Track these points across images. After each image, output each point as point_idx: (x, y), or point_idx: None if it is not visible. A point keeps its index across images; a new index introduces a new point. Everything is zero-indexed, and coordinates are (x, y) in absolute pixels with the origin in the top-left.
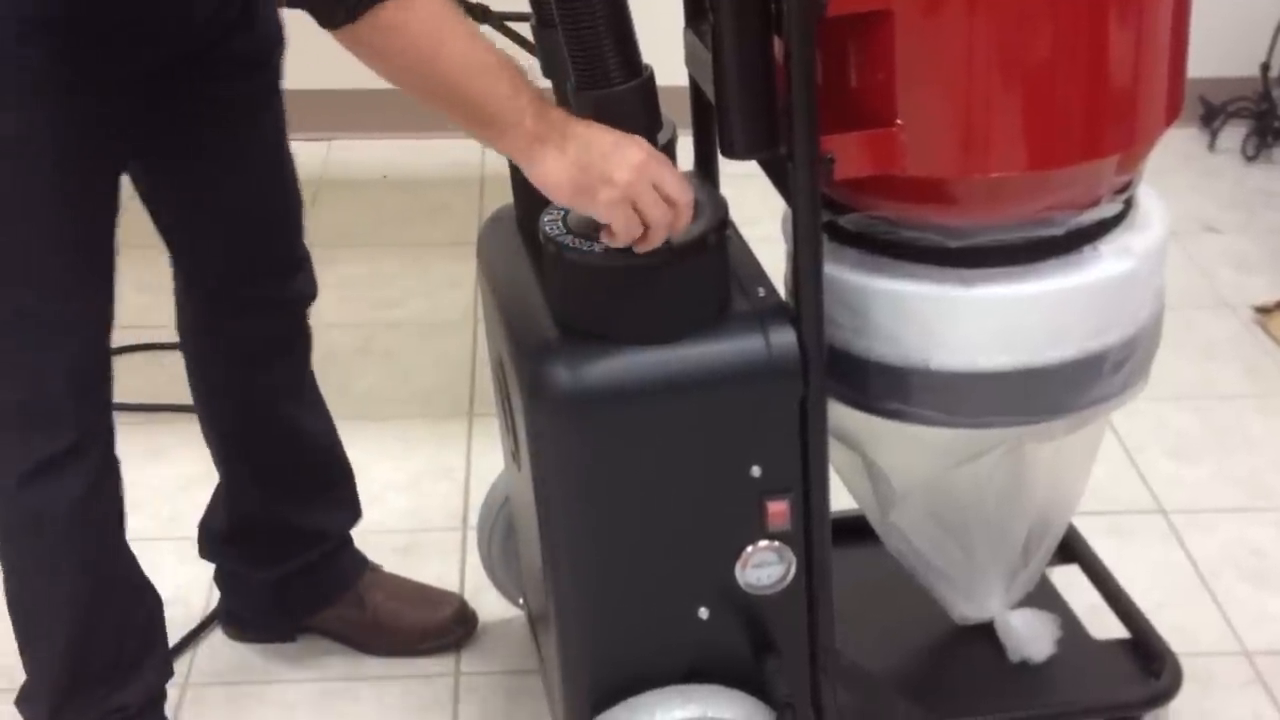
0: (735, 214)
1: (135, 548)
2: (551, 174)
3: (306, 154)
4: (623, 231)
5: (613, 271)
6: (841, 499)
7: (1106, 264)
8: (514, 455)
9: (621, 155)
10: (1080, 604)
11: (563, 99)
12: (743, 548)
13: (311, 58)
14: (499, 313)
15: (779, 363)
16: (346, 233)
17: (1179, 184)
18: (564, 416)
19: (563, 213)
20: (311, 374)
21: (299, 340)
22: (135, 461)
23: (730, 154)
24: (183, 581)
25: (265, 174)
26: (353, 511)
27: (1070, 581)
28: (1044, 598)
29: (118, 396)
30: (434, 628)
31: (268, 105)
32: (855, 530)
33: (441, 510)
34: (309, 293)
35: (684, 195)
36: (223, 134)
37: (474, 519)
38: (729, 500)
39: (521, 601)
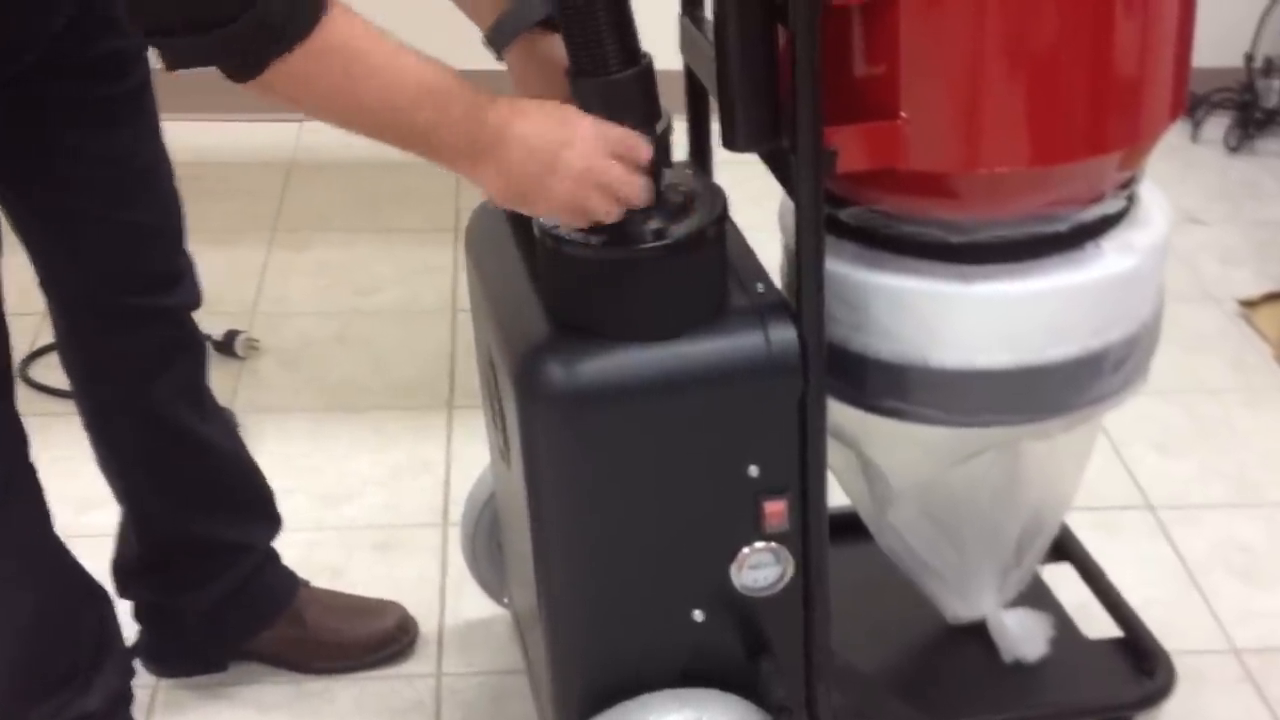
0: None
1: (96, 545)
2: (488, 184)
3: (277, 136)
4: (567, 223)
5: (610, 266)
6: (831, 495)
7: (1109, 261)
8: (503, 452)
9: (565, 166)
10: (1070, 601)
11: None
12: (739, 549)
13: None
14: (489, 306)
15: (779, 360)
16: (319, 216)
17: (1162, 175)
18: (558, 415)
19: None
20: (209, 387)
21: (188, 349)
22: (89, 455)
23: (731, 146)
24: None
25: (140, 180)
26: (273, 521)
27: (1061, 579)
28: (1036, 596)
29: (63, 385)
30: (377, 639)
31: (139, 107)
32: (846, 527)
33: (421, 505)
34: (191, 301)
35: (636, 193)
36: (90, 138)
37: (455, 514)
38: (725, 500)
39: (506, 600)
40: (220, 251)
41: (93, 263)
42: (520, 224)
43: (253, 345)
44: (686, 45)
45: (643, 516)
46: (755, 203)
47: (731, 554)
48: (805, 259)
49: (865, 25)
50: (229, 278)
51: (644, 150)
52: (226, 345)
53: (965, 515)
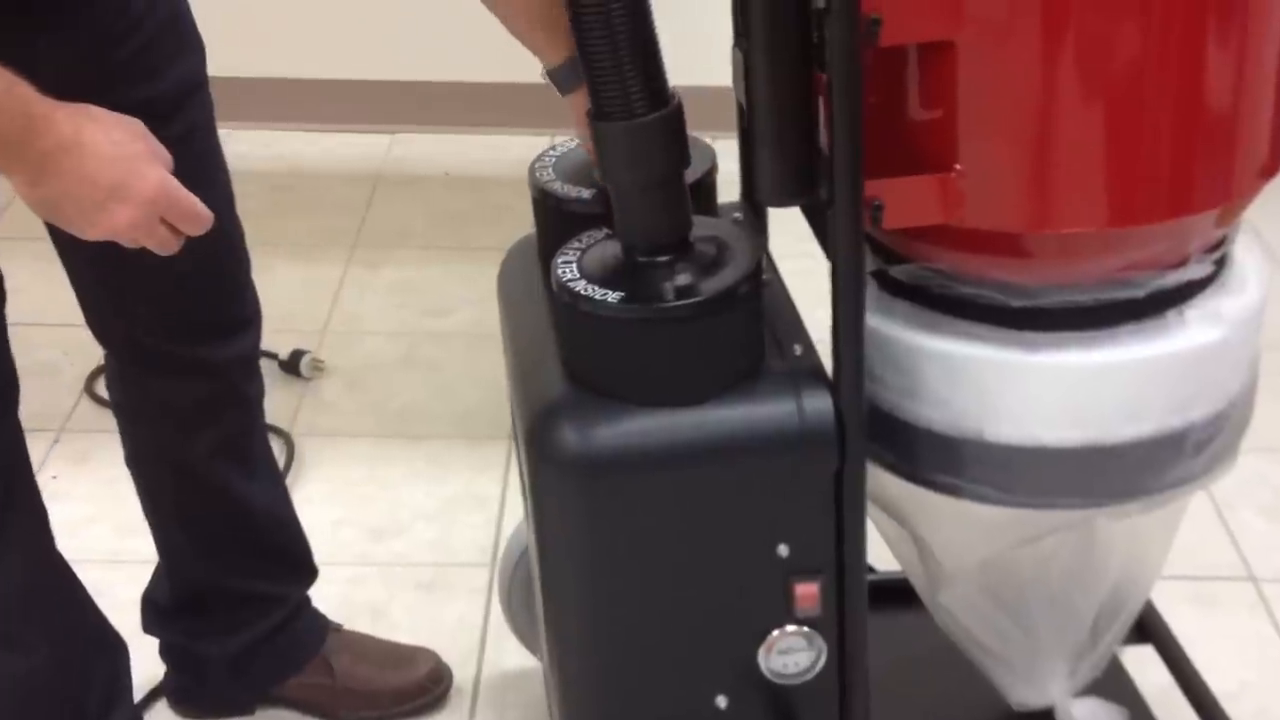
0: (791, 233)
1: (137, 571)
2: (21, 194)
3: (367, 147)
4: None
5: (630, 325)
6: (882, 553)
7: (1193, 331)
8: (527, 511)
9: (107, 218)
10: (1152, 685)
11: None
12: (767, 632)
13: (375, 48)
14: (512, 355)
15: (812, 431)
16: (401, 233)
17: None
18: (571, 482)
19: (577, 255)
20: (262, 439)
21: (240, 404)
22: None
23: (759, 198)
24: None
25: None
26: (309, 573)
27: (1142, 662)
28: (1113, 682)
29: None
30: (408, 689)
31: (187, 153)
32: (896, 593)
33: (471, 543)
34: (249, 354)
35: (196, 228)
36: None
37: None
38: (752, 580)
39: (540, 656)
40: (300, 267)
41: (135, 307)
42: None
43: (318, 366)
44: (739, 79)
45: (661, 594)
46: None
47: (759, 637)
48: (843, 325)
49: (916, 66)
50: (305, 294)
51: (200, 224)
52: (292, 365)
53: (1032, 596)
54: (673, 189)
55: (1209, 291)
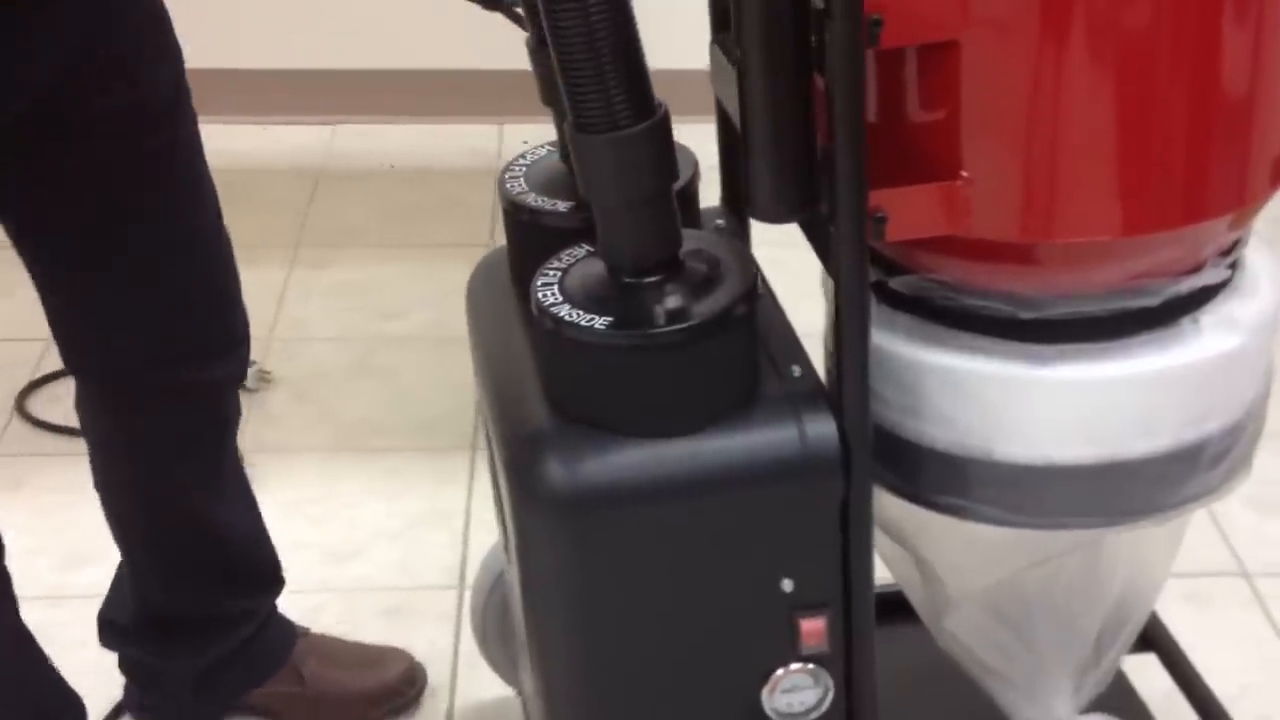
0: (782, 233)
1: (88, 607)
2: None
3: (308, 140)
4: None
5: (618, 351)
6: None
7: (1208, 339)
8: (504, 544)
9: None
10: (1157, 690)
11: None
12: (771, 670)
13: (314, 36)
14: (488, 377)
15: (815, 458)
16: (346, 231)
17: None
18: (558, 519)
19: (558, 276)
20: (234, 458)
21: (221, 426)
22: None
23: (753, 214)
24: None
25: (168, 244)
26: (279, 584)
27: (1146, 668)
28: (1117, 695)
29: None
30: (382, 692)
31: (168, 170)
32: (896, 607)
33: (436, 563)
34: (237, 375)
35: None
36: (109, 204)
37: (472, 575)
38: (755, 617)
39: (517, 692)
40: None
41: (118, 334)
42: (526, 287)
43: (265, 377)
44: (717, 77)
45: (657, 634)
46: None
47: (763, 676)
48: (847, 345)
49: (918, 69)
50: (246, 299)
51: None
52: None
53: (1037, 614)
54: (661, 204)
55: (1223, 296)
